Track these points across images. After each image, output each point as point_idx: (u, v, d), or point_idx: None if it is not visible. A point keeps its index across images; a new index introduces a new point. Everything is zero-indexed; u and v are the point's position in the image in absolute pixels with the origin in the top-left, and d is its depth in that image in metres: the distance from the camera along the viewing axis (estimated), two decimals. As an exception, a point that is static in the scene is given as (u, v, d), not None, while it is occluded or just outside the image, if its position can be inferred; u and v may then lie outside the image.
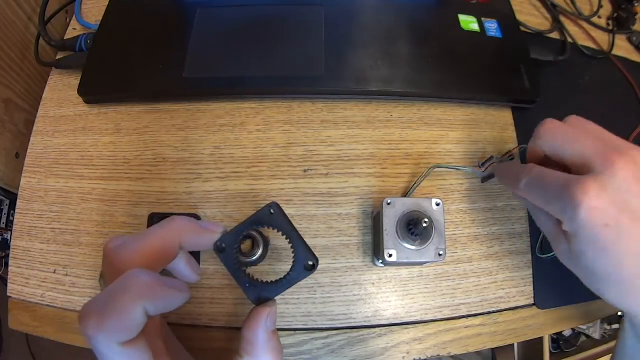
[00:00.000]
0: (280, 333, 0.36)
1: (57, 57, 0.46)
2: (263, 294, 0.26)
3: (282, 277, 0.27)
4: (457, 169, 0.40)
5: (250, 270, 0.27)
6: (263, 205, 0.27)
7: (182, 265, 0.30)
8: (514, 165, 0.35)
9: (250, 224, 0.27)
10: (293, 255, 0.27)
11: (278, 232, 0.27)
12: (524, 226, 0.40)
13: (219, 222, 0.27)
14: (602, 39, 0.51)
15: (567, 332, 0.91)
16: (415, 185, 0.39)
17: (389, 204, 0.33)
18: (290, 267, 0.27)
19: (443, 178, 0.41)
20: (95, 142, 0.42)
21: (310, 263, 0.27)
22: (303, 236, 0.27)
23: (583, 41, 0.50)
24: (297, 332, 0.37)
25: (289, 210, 0.39)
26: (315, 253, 0.27)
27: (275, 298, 0.27)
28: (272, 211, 0.27)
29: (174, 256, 0.25)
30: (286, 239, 0.27)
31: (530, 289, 0.39)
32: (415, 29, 0.45)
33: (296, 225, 0.38)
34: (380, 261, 0.36)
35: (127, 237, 0.25)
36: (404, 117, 0.43)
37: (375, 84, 0.42)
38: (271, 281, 0.27)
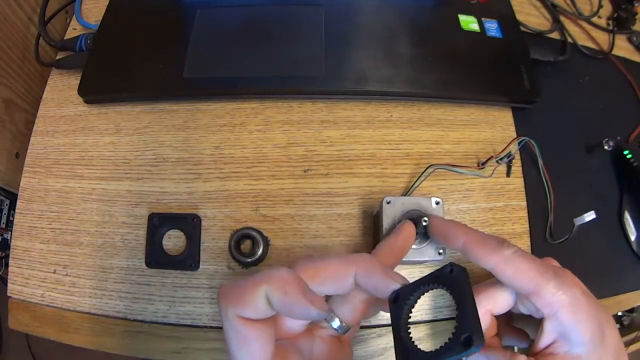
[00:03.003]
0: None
1: (57, 57, 0.46)
2: (411, 359, 0.24)
3: (437, 348, 0.23)
4: (455, 171, 0.40)
5: (413, 334, 0.25)
6: (444, 265, 0.24)
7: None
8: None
9: (429, 281, 0.24)
10: (456, 324, 0.23)
11: (450, 294, 0.24)
12: (524, 226, 0.40)
13: (402, 275, 0.26)
14: (602, 39, 0.51)
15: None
16: (414, 186, 0.39)
17: (388, 203, 0.33)
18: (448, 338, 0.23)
19: (443, 178, 0.41)
20: (95, 142, 0.42)
21: (470, 339, 0.21)
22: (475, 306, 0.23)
23: (583, 41, 0.50)
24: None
25: (288, 210, 0.39)
26: (479, 329, 0.22)
27: None
28: (452, 270, 0.24)
29: (346, 286, 0.25)
30: (456, 303, 0.23)
31: (530, 289, 0.39)
32: (415, 28, 0.45)
33: (296, 225, 0.39)
34: (380, 261, 0.36)
35: (313, 256, 0.26)
36: (404, 117, 0.43)
37: (375, 84, 0.42)
38: (425, 350, 0.24)
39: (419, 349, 0.24)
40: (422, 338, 0.37)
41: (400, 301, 0.24)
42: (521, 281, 0.26)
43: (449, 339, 0.22)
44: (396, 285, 0.24)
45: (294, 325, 0.25)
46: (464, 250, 0.28)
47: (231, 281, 0.23)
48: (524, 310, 0.29)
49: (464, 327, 0.22)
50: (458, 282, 0.24)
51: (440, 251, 0.32)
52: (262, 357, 0.22)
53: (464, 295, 0.23)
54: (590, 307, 0.27)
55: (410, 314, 0.25)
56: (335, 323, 0.26)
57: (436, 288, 0.24)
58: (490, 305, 0.29)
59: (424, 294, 0.25)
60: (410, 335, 0.24)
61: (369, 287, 0.25)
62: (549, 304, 0.26)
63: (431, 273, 0.25)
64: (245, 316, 0.22)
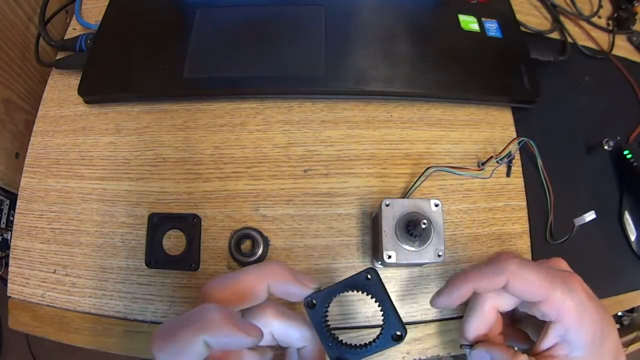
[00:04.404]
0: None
1: (57, 57, 0.46)
2: (343, 355, 0.26)
3: (367, 342, 0.26)
4: (454, 173, 0.40)
5: (337, 332, 0.27)
6: (360, 270, 0.27)
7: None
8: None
9: (345, 286, 0.27)
10: (382, 323, 0.26)
11: (371, 298, 0.27)
12: (524, 226, 0.40)
13: (314, 278, 0.27)
14: (602, 39, 0.51)
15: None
16: (414, 187, 0.39)
17: (387, 205, 0.33)
18: (377, 334, 0.26)
19: (443, 178, 0.41)
20: (95, 142, 0.42)
21: (398, 333, 0.26)
22: (395, 306, 0.27)
23: (583, 41, 0.50)
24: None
25: (288, 210, 0.39)
26: (404, 323, 0.26)
27: None
28: (368, 277, 0.27)
29: (260, 297, 0.26)
30: (378, 306, 0.27)
31: (530, 289, 0.39)
32: (415, 28, 0.45)
33: (296, 225, 0.39)
34: (379, 262, 0.36)
35: (225, 274, 0.27)
36: (404, 117, 0.43)
37: (375, 84, 0.42)
38: (355, 344, 0.26)
39: (349, 344, 0.26)
40: (438, 332, 0.37)
41: (318, 306, 0.26)
42: (531, 292, 0.28)
43: (378, 335, 0.26)
44: (309, 291, 0.26)
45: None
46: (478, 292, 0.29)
47: (162, 328, 0.23)
48: (529, 311, 0.29)
49: (392, 325, 0.26)
50: (376, 287, 0.27)
51: (440, 253, 0.32)
52: None
53: (383, 298, 0.26)
54: (594, 313, 0.27)
55: (327, 316, 0.27)
56: None
57: (352, 292, 0.27)
58: (497, 302, 0.30)
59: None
60: (335, 334, 0.26)
61: (282, 295, 0.26)
62: (556, 310, 0.27)
63: (347, 279, 0.27)
64: None
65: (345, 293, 0.27)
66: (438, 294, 0.31)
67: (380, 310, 0.27)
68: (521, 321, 0.33)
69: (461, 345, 0.31)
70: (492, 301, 0.30)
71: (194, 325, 0.21)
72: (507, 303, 0.30)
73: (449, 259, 0.39)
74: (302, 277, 0.27)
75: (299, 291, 0.26)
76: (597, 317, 0.27)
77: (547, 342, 0.28)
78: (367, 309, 0.37)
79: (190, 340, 0.21)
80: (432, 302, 0.31)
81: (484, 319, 0.30)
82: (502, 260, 0.28)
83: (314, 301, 0.26)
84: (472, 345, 0.30)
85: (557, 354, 0.28)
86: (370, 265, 0.38)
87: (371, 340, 0.26)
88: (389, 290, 0.27)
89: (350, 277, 0.27)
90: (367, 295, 0.27)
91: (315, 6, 0.45)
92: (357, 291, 0.27)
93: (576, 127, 0.45)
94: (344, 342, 0.26)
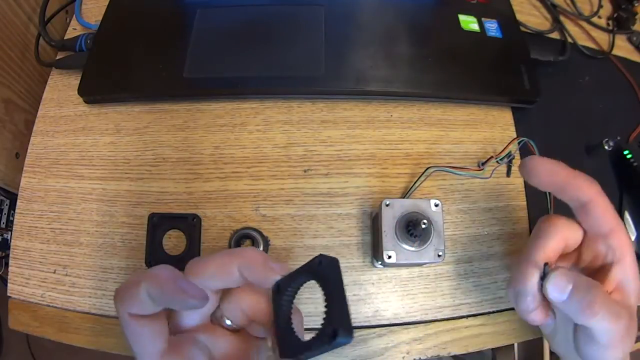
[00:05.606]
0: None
1: (57, 57, 0.46)
2: (288, 349, 0.23)
3: (310, 339, 0.22)
4: (454, 173, 0.40)
5: (295, 325, 0.25)
6: (315, 256, 0.24)
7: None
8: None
9: (302, 271, 0.25)
10: (324, 316, 0.22)
11: (320, 286, 0.23)
12: (524, 226, 0.40)
13: (285, 264, 0.26)
14: (602, 39, 0.51)
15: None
16: (414, 187, 0.39)
17: (387, 205, 0.33)
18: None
19: (443, 178, 0.41)
20: (95, 142, 0.42)
21: (335, 329, 0.21)
22: (346, 298, 0.22)
23: (583, 41, 0.50)
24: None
25: (288, 210, 0.39)
26: (347, 322, 0.21)
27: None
28: (321, 262, 0.24)
29: (231, 278, 0.26)
30: (324, 295, 0.23)
31: (530, 289, 0.39)
32: (415, 28, 0.45)
33: (296, 225, 0.39)
34: (379, 262, 0.36)
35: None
36: (404, 117, 0.43)
37: (375, 84, 0.42)
38: (304, 340, 0.23)
39: (298, 338, 0.24)
40: (438, 332, 0.37)
41: (281, 291, 0.25)
42: (607, 218, 0.28)
43: (319, 330, 0.22)
44: (276, 277, 0.25)
45: (189, 319, 0.26)
46: (559, 192, 0.29)
47: (124, 282, 0.25)
48: (587, 254, 0.29)
49: (331, 320, 0.21)
50: (327, 274, 0.23)
51: (440, 253, 0.32)
52: (153, 349, 0.24)
53: (333, 286, 0.23)
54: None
55: (292, 304, 0.25)
56: (226, 320, 0.27)
57: (308, 280, 0.24)
58: (568, 233, 0.29)
59: (301, 285, 0.25)
60: (292, 325, 0.24)
61: (252, 279, 0.26)
62: (622, 245, 0.28)
63: (304, 264, 0.24)
64: (133, 312, 0.23)
65: (308, 281, 0.24)
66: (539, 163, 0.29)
67: (325, 301, 0.22)
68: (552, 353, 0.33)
69: (545, 264, 0.27)
70: (564, 230, 0.29)
71: (139, 275, 0.23)
72: (576, 236, 0.29)
73: (449, 259, 0.39)
74: (272, 263, 0.26)
75: (266, 275, 0.25)
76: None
77: (608, 285, 0.28)
78: (367, 309, 0.37)
79: (134, 288, 0.23)
80: (530, 165, 0.29)
81: (555, 246, 0.29)
82: (587, 181, 0.28)
83: (279, 286, 0.25)
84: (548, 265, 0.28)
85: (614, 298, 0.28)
86: (367, 262, 0.38)
87: (313, 336, 0.22)
88: (345, 285, 0.23)
89: (307, 262, 0.24)
90: (317, 282, 0.24)
91: (315, 6, 0.45)
92: (313, 279, 0.24)
93: (576, 127, 0.45)
94: (296, 335, 0.24)
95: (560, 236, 0.29)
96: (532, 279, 0.28)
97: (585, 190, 0.28)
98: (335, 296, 0.22)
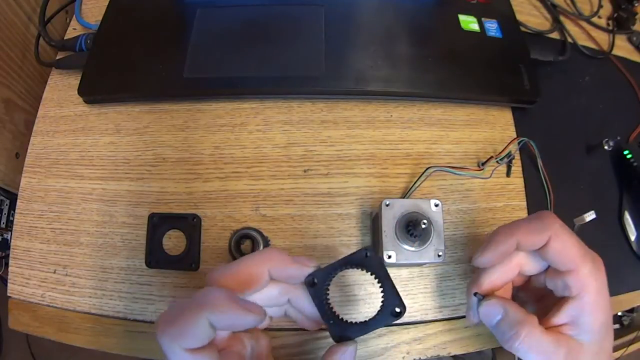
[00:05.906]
0: (282, 333, 0.36)
1: (57, 57, 0.46)
2: (345, 333, 0.27)
3: (367, 319, 0.27)
4: (454, 173, 0.40)
5: (338, 310, 0.28)
6: (359, 248, 0.28)
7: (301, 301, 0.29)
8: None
9: (344, 264, 0.27)
10: (382, 299, 0.27)
11: (371, 275, 0.27)
12: (524, 226, 0.40)
13: (312, 258, 0.28)
14: (602, 39, 0.51)
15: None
16: (414, 187, 0.39)
17: (387, 205, 0.33)
18: (377, 310, 0.27)
19: (443, 178, 0.41)
20: (95, 142, 0.42)
21: (398, 310, 0.26)
22: (394, 283, 0.27)
23: (583, 41, 0.50)
24: (299, 332, 0.37)
25: (288, 210, 0.39)
26: (403, 300, 0.27)
27: (356, 340, 0.27)
28: (367, 254, 0.27)
29: (262, 283, 0.26)
30: (378, 282, 0.27)
31: (530, 289, 0.39)
32: (415, 28, 0.45)
33: (296, 225, 0.39)
34: (380, 261, 0.36)
35: (224, 264, 0.27)
36: (404, 117, 0.43)
37: (375, 84, 0.42)
38: (355, 322, 0.27)
39: (351, 321, 0.27)
40: (438, 332, 0.37)
41: (319, 284, 0.27)
42: (566, 258, 0.27)
43: (379, 311, 0.27)
44: (308, 271, 0.27)
45: (220, 335, 0.26)
46: (520, 248, 0.29)
47: (167, 312, 0.23)
48: (548, 283, 0.29)
49: (391, 301, 0.27)
50: (375, 263, 0.27)
51: (440, 253, 0.32)
52: None
53: (382, 274, 0.27)
54: (608, 303, 0.28)
55: (328, 293, 0.28)
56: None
57: (352, 269, 0.28)
58: (524, 261, 0.29)
59: (336, 275, 0.28)
60: (336, 312, 0.27)
61: (283, 278, 0.27)
62: (580, 285, 0.27)
63: (345, 257, 0.27)
64: (192, 347, 0.22)
65: (346, 270, 0.28)
66: (482, 251, 0.29)
67: (380, 287, 0.27)
68: (523, 299, 0.33)
69: (475, 293, 0.30)
70: (519, 259, 0.29)
71: (199, 306, 0.22)
72: (532, 266, 0.29)
73: (449, 259, 0.39)
74: (300, 258, 0.27)
75: (299, 271, 0.27)
76: (608, 308, 0.27)
77: (559, 318, 0.28)
78: (367, 309, 0.37)
79: (194, 320, 0.21)
80: (477, 261, 0.30)
81: (505, 274, 0.29)
82: (545, 218, 0.28)
83: (315, 280, 0.27)
84: (484, 296, 0.29)
85: (564, 332, 0.27)
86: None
87: (371, 317, 0.27)
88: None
89: (349, 255, 0.27)
90: (367, 272, 0.27)
91: (315, 6, 0.45)
92: (357, 268, 0.27)
93: (576, 127, 0.45)
94: (344, 319, 0.27)
95: (512, 266, 0.29)
96: (474, 298, 0.30)
97: (535, 240, 0.27)
98: (386, 281, 0.27)
